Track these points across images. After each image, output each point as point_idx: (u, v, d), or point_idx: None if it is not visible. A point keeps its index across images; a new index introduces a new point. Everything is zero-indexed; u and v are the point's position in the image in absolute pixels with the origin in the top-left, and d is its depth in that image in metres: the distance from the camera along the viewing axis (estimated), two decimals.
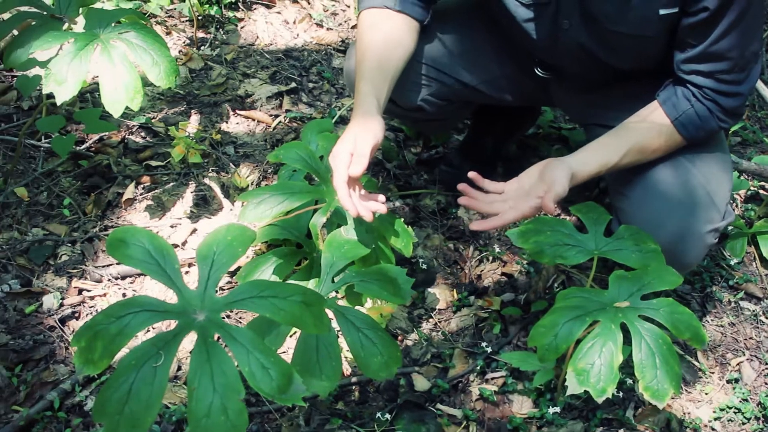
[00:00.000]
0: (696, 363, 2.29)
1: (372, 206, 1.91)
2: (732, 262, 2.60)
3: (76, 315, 2.21)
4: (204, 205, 2.59)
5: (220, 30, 3.40)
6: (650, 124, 2.02)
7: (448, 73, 2.34)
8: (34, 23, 2.27)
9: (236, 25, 3.42)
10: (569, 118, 2.95)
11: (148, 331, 2.14)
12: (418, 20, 2.18)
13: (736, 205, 2.83)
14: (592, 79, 2.23)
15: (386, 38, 2.13)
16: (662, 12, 1.90)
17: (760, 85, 2.90)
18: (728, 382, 2.26)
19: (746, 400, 2.20)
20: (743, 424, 2.15)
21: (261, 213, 2.02)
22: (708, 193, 2.04)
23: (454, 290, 2.41)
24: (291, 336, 2.05)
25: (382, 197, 1.98)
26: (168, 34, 3.31)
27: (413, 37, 2.18)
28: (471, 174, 1.98)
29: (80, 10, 2.35)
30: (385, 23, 2.14)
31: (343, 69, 3.16)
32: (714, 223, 2.03)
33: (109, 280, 2.30)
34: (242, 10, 3.49)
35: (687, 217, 2.02)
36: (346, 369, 2.13)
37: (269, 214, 2.01)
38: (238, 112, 2.99)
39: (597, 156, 2.01)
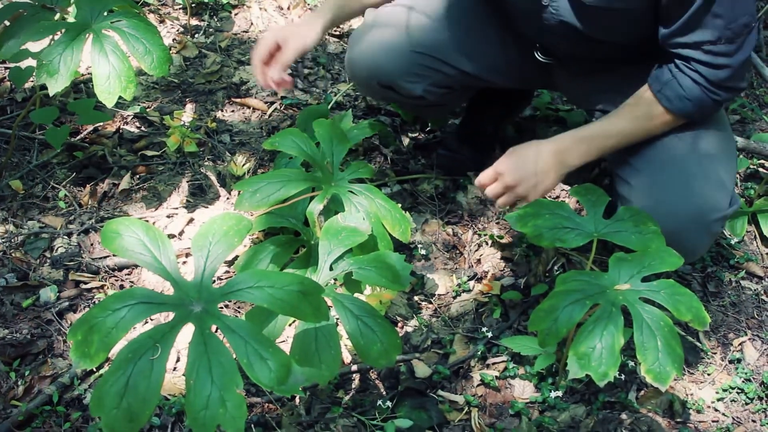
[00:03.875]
0: (698, 344, 2.28)
1: (280, 82, 2.13)
2: (732, 242, 2.59)
3: (74, 308, 2.20)
4: (200, 194, 2.57)
5: (214, 17, 3.37)
6: (636, 101, 2.03)
7: (451, 63, 2.33)
8: (25, 14, 2.26)
9: (230, 12, 3.40)
10: (573, 103, 2.94)
11: (146, 322, 2.13)
12: None
13: (736, 184, 2.81)
14: (590, 62, 2.21)
15: None
16: None
17: (758, 62, 2.88)
18: (730, 362, 2.25)
19: (749, 380, 2.19)
20: (746, 404, 2.14)
21: (257, 201, 2.01)
22: (714, 181, 2.02)
23: (454, 275, 2.39)
24: (290, 325, 2.04)
25: (290, 80, 2.16)
26: (161, 22, 3.29)
27: None
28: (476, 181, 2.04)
29: None
30: None
31: (339, 56, 3.15)
32: (721, 210, 2.02)
33: (106, 272, 2.29)
34: None
35: (693, 207, 2.00)
36: (346, 357, 2.12)
37: (266, 203, 2.00)
38: (233, 99, 2.97)
39: (580, 133, 2.05)
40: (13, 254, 2.30)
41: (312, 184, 2.10)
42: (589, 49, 2.13)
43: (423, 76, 2.33)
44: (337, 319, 1.80)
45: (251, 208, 2.02)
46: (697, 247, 2.07)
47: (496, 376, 2.13)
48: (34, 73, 2.11)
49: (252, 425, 1.94)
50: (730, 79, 1.94)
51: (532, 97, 2.88)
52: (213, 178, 2.62)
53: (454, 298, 2.34)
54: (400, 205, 2.16)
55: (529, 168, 1.99)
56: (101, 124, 2.75)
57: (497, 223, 2.56)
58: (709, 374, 2.21)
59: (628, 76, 2.12)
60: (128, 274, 2.30)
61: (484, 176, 2.01)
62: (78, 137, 2.70)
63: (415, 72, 2.32)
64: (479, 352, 2.18)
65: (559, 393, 2.07)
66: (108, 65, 2.11)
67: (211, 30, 3.30)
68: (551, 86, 2.57)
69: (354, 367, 2.11)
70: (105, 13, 2.22)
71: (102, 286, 2.25)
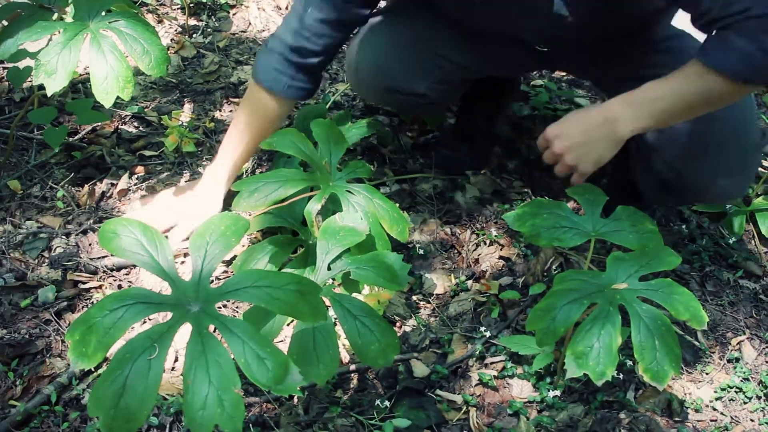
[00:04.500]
0: (696, 343, 2.28)
1: None
2: (731, 241, 2.59)
3: (72, 308, 2.20)
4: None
5: (212, 17, 3.37)
6: (684, 66, 1.89)
7: (453, 59, 2.34)
8: (23, 14, 2.26)
9: (228, 12, 3.40)
10: (576, 76, 2.96)
11: (145, 322, 2.13)
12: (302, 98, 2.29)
13: None
14: (590, 42, 2.21)
15: (262, 125, 2.30)
16: None
17: None
18: (729, 361, 2.25)
19: (747, 380, 2.20)
20: (744, 403, 2.14)
21: (255, 201, 2.01)
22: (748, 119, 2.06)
23: (452, 275, 2.39)
24: (288, 325, 2.04)
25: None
26: (159, 22, 3.29)
27: (288, 109, 2.34)
28: None
29: None
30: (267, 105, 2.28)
31: (338, 56, 3.15)
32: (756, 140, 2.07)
33: (104, 271, 2.29)
34: None
35: (731, 134, 2.04)
36: (345, 357, 2.12)
37: (263, 203, 2.00)
38: (231, 99, 2.97)
39: (628, 97, 1.96)
40: (11, 254, 2.30)
41: (310, 183, 2.10)
42: (593, 35, 2.13)
43: (427, 72, 2.34)
44: (335, 318, 1.80)
45: (249, 208, 2.02)
46: (739, 180, 2.11)
47: (494, 376, 2.13)
48: (32, 73, 2.11)
49: (250, 425, 1.94)
50: None
51: (518, 87, 2.89)
52: None
53: (452, 297, 2.34)
54: (398, 204, 2.16)
55: (575, 137, 2.00)
56: (99, 124, 2.75)
57: (495, 222, 2.56)
58: (707, 373, 2.21)
59: (629, 40, 2.11)
60: (126, 274, 2.30)
61: (540, 140, 2.06)
62: (76, 137, 2.70)
63: (419, 70, 2.33)
64: (477, 352, 2.18)
65: (558, 392, 2.07)
66: (106, 65, 2.11)
67: (209, 30, 3.30)
68: (552, 67, 2.58)
69: (352, 367, 2.11)
70: (103, 13, 2.21)
71: (100, 286, 2.25)
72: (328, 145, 2.19)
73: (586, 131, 2.00)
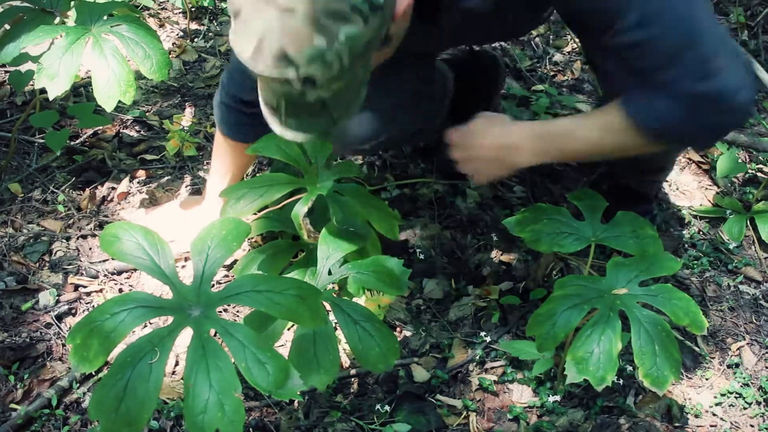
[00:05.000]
0: (696, 348, 2.28)
1: None
2: (731, 246, 2.59)
3: (73, 311, 2.20)
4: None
5: (214, 21, 3.38)
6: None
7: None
8: (25, 18, 2.26)
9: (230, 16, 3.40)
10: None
11: (146, 326, 2.13)
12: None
13: (735, 189, 2.82)
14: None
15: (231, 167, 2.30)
16: None
17: (757, 67, 2.88)
18: (729, 367, 2.25)
19: (747, 385, 2.20)
20: (744, 409, 2.14)
21: (241, 209, 2.00)
22: None
23: (452, 280, 2.40)
24: (288, 329, 2.05)
25: None
26: (161, 26, 3.30)
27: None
28: None
29: (71, 3, 2.34)
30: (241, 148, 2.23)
31: None
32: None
33: (105, 275, 2.29)
34: None
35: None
36: (345, 361, 2.13)
37: (249, 210, 2.00)
38: None
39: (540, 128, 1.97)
40: (12, 258, 2.30)
41: (296, 186, 2.08)
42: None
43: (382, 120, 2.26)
44: (336, 323, 1.81)
45: (237, 215, 2.01)
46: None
47: (494, 381, 2.13)
48: (34, 77, 2.12)
49: (250, 429, 1.94)
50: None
51: (499, 73, 2.80)
52: None
53: (453, 302, 2.34)
54: (399, 209, 2.16)
55: (472, 150, 2.01)
56: (101, 127, 2.75)
57: (496, 227, 2.56)
58: (707, 379, 2.21)
59: None
60: (127, 278, 2.31)
61: (446, 136, 2.05)
62: (78, 141, 2.71)
63: (374, 125, 2.23)
64: (478, 357, 2.18)
65: (558, 397, 2.07)
66: (108, 69, 2.11)
67: (210, 34, 3.31)
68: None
69: (352, 371, 2.11)
70: (105, 17, 2.22)
71: (101, 290, 2.25)
72: (313, 146, 2.17)
73: (484, 148, 1.99)
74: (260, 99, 1.57)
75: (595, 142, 1.86)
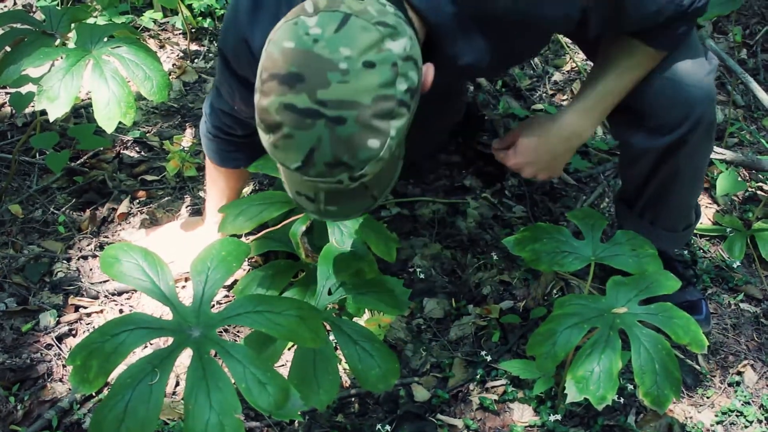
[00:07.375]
0: (697, 366, 2.28)
1: None
2: (731, 264, 2.59)
3: (73, 332, 2.20)
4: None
5: (214, 42, 3.39)
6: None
7: None
8: (26, 40, 2.27)
9: None
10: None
11: (146, 347, 2.13)
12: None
13: (735, 207, 2.82)
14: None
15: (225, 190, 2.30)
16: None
17: (755, 86, 2.89)
18: (730, 385, 2.25)
19: (748, 403, 2.19)
20: (745, 427, 2.14)
21: (239, 225, 1.99)
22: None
23: (453, 299, 2.40)
24: (289, 349, 2.04)
25: None
26: (161, 47, 3.31)
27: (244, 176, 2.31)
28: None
29: (72, 25, 2.35)
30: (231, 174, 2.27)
31: None
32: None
33: (105, 296, 2.29)
34: None
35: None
36: (345, 381, 2.12)
37: (248, 226, 1.99)
38: None
39: (582, 105, 2.00)
40: (12, 279, 2.30)
41: (294, 205, 2.08)
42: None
43: None
44: (336, 342, 1.80)
45: (234, 231, 2.01)
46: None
47: (495, 400, 2.13)
48: (34, 99, 2.12)
49: None
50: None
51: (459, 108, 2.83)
52: None
53: (453, 321, 2.34)
54: (398, 229, 2.15)
55: (543, 161, 2.03)
56: (101, 149, 2.76)
57: (496, 246, 2.56)
58: (708, 397, 2.21)
59: None
60: (127, 299, 2.31)
61: (501, 143, 2.08)
62: (78, 162, 2.71)
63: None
64: (478, 376, 2.18)
65: (558, 416, 2.07)
66: (108, 91, 2.12)
67: (210, 55, 3.32)
68: None
69: (353, 391, 2.11)
70: (105, 39, 2.23)
71: (101, 311, 2.25)
72: None
73: (552, 151, 2.02)
74: (289, 190, 1.57)
75: (629, 85, 1.95)
